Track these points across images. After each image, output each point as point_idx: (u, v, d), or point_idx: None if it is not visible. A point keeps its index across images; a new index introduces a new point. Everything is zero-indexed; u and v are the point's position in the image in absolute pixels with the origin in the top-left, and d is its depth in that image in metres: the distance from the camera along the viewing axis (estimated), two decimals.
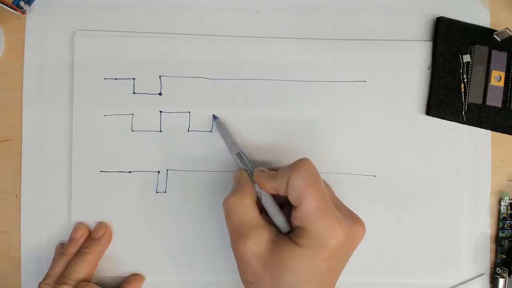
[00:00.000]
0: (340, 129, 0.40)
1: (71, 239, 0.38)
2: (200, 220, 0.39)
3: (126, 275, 0.39)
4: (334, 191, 0.35)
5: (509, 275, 0.39)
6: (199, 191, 0.39)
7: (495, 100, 0.40)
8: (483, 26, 0.40)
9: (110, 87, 0.39)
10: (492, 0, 0.40)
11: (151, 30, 0.40)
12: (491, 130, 0.40)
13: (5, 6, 0.37)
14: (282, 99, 0.39)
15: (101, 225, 0.38)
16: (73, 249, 0.38)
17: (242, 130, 0.39)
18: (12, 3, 0.38)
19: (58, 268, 0.37)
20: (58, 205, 0.39)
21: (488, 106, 0.40)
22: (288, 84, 0.39)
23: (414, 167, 0.40)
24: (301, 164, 0.31)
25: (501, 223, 0.40)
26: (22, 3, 0.38)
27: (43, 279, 0.37)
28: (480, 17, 0.40)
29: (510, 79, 0.40)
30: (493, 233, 0.40)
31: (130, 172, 0.39)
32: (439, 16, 0.40)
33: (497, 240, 0.40)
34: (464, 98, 0.40)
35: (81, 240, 0.38)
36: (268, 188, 0.33)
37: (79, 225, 0.38)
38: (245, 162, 0.35)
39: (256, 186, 0.34)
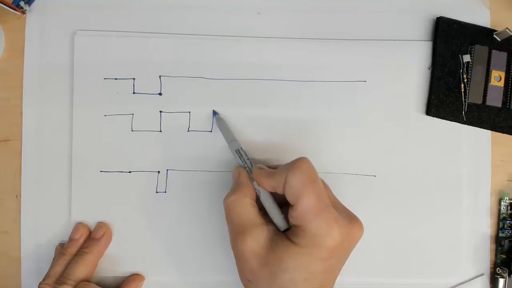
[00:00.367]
0: (340, 129, 0.40)
1: (71, 239, 0.38)
2: (200, 220, 0.39)
3: (126, 275, 0.39)
4: (333, 191, 0.35)
5: (509, 275, 0.39)
6: (199, 191, 0.39)
7: (495, 100, 0.40)
8: (483, 26, 0.40)
9: (110, 87, 0.39)
10: (492, 0, 0.40)
11: (151, 30, 0.40)
12: (491, 130, 0.40)
13: (5, 6, 0.37)
14: (282, 99, 0.39)
15: (101, 225, 0.38)
16: (73, 249, 0.38)
17: (242, 130, 0.39)
18: (12, 3, 0.38)
19: (58, 268, 0.37)
20: (58, 205, 0.39)
21: (488, 106, 0.40)
22: (288, 84, 0.39)
23: (414, 167, 0.40)
24: (299, 163, 0.31)
25: (501, 223, 0.40)
26: (22, 3, 0.38)
27: (43, 279, 0.37)
28: (480, 17, 0.40)
29: (510, 79, 0.40)
30: (493, 233, 0.40)
31: (130, 172, 0.39)
32: (439, 16, 0.40)
33: (497, 240, 0.40)
34: (464, 98, 0.40)
35: (81, 240, 0.38)
36: (266, 186, 0.33)
37: (79, 225, 0.38)
38: (244, 159, 0.35)
39: (255, 183, 0.34)
